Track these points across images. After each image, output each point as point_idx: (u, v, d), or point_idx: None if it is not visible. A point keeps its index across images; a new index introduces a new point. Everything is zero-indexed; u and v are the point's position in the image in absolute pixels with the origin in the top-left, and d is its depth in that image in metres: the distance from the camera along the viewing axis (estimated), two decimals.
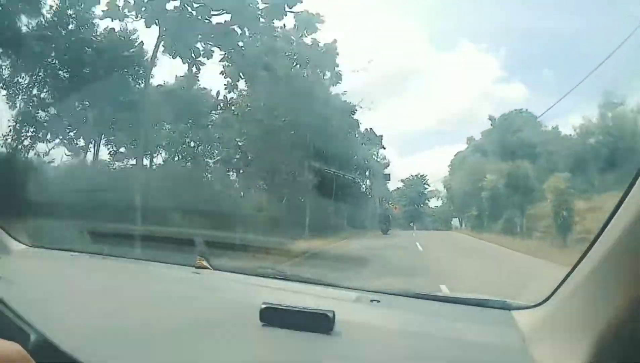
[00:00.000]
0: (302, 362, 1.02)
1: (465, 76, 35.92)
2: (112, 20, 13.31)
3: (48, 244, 2.47)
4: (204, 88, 16.12)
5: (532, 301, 1.22)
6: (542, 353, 0.96)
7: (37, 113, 12.42)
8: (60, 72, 12.69)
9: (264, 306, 1.13)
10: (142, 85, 13.64)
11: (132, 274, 1.98)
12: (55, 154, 12.81)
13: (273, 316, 1.12)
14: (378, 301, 1.42)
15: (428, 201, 40.89)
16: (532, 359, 0.97)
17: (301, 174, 15.93)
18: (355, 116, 19.48)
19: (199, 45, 13.68)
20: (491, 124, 24.71)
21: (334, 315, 1.10)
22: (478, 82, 39.78)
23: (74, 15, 12.78)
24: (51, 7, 12.44)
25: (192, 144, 15.84)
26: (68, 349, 0.93)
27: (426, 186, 40.30)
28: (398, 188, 38.31)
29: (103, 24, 13.40)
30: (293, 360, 1.02)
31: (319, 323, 1.09)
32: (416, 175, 40.08)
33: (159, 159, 15.69)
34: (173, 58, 13.38)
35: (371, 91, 36.58)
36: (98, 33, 13.36)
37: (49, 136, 12.65)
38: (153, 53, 13.19)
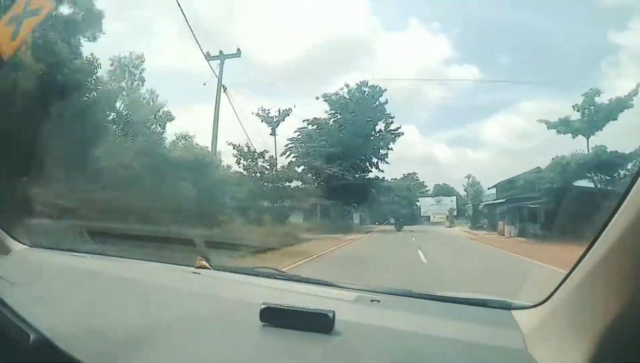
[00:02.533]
0: (302, 362, 1.02)
1: (414, 55, 34.86)
2: None
3: (48, 244, 2.47)
4: None
5: (532, 301, 1.22)
6: (542, 353, 0.96)
7: None
8: None
9: (264, 306, 1.13)
10: None
11: (132, 274, 1.97)
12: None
13: (273, 316, 1.12)
14: (378, 301, 1.42)
15: (389, 148, 21.60)
16: (532, 359, 0.97)
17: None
18: None
19: None
20: None
21: (334, 315, 1.10)
22: (427, 62, 38.42)
23: None
24: None
25: None
26: (68, 349, 0.94)
27: (391, 119, 21.05)
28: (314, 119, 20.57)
29: None
30: (293, 360, 1.02)
31: (319, 323, 1.09)
32: (359, 85, 20.07)
33: None
34: None
35: (314, 66, 34.95)
36: None
37: None
38: None
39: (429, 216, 38.89)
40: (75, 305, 1.40)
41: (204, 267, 1.88)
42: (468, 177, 41.39)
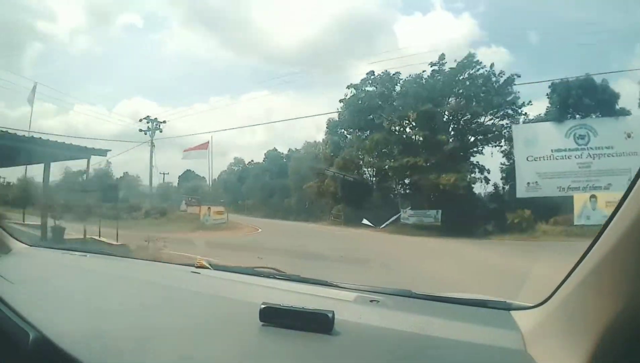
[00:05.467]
0: (302, 362, 1.02)
1: (437, 38, 27.81)
2: None
3: (48, 244, 2.47)
4: None
5: (532, 302, 1.22)
6: (542, 354, 0.96)
7: None
8: None
9: (263, 306, 1.14)
10: None
11: (132, 273, 1.98)
12: None
13: (273, 316, 1.12)
14: (377, 302, 1.42)
15: None
16: (532, 360, 0.96)
17: None
18: None
19: None
20: None
21: (333, 315, 1.10)
22: (452, 45, 32.18)
23: None
24: None
25: None
26: (68, 349, 0.94)
27: None
28: None
29: None
30: (293, 360, 1.02)
31: (318, 323, 1.09)
32: None
33: None
34: None
35: (328, 51, 31.39)
36: None
37: None
38: None
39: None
40: (75, 304, 1.40)
41: (204, 267, 1.88)
42: None
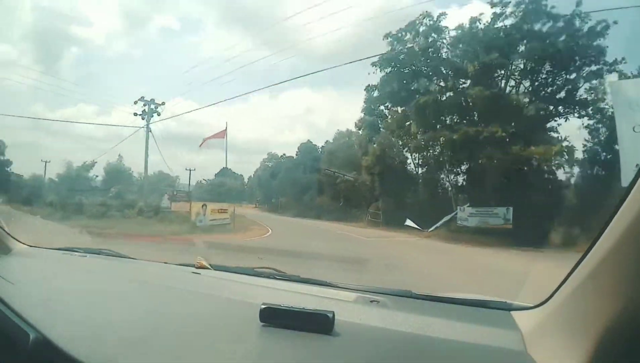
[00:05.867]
0: (302, 362, 1.02)
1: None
2: None
3: (48, 244, 2.47)
4: None
5: (532, 302, 1.22)
6: (542, 354, 0.96)
7: None
8: None
9: (263, 306, 1.14)
10: None
11: (132, 274, 1.97)
12: None
13: (273, 317, 1.12)
14: (377, 302, 1.42)
15: None
16: (532, 359, 0.97)
17: None
18: None
19: None
20: None
21: (333, 315, 1.11)
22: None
23: None
24: None
25: None
26: (68, 349, 0.94)
27: None
28: None
29: None
30: (293, 360, 1.02)
31: (318, 323, 1.09)
32: None
33: None
34: None
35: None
36: None
37: None
38: None
39: None
40: (76, 304, 1.40)
41: (204, 267, 1.88)
42: None
